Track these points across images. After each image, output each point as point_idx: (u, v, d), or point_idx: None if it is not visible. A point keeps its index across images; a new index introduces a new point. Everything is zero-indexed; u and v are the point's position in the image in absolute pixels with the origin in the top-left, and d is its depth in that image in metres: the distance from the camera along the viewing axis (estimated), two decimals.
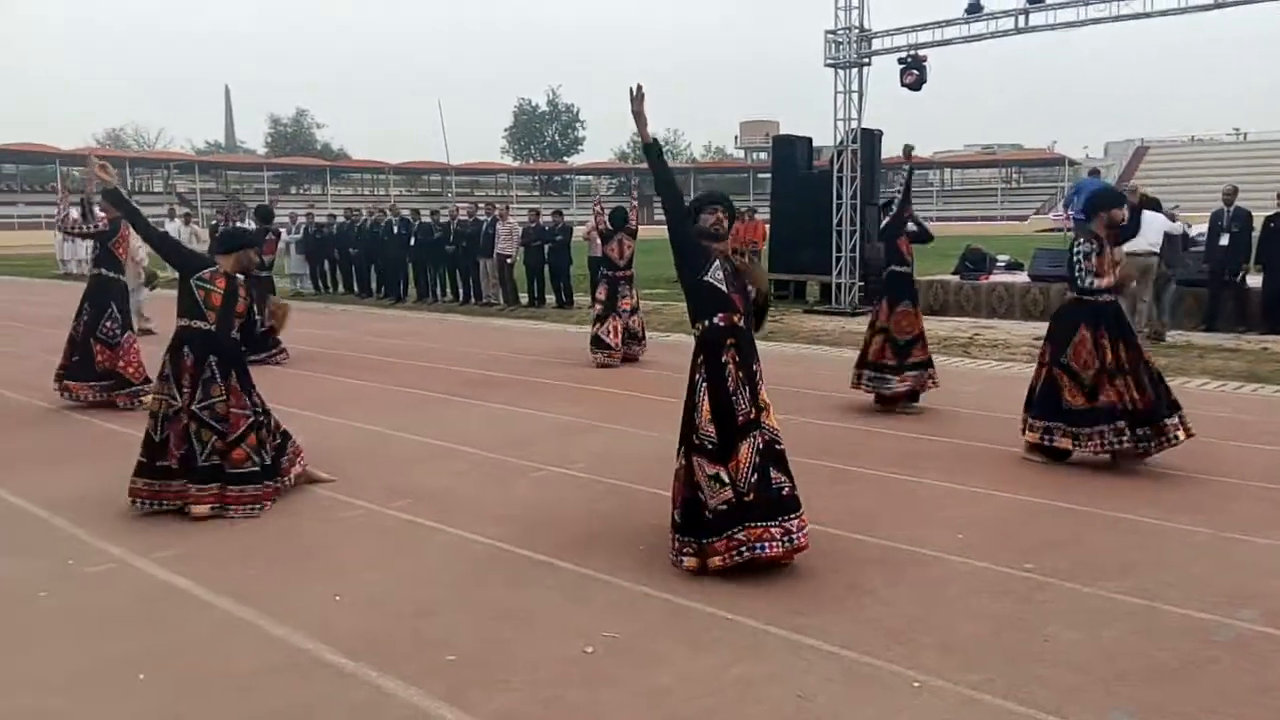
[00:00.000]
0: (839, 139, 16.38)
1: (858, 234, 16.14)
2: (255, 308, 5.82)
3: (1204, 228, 13.75)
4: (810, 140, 18.98)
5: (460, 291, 18.70)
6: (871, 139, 16.87)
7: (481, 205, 20.18)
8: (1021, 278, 15.80)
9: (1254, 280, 13.16)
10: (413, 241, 18.90)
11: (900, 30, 15.95)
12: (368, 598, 4.26)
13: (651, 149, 4.71)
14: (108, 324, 8.58)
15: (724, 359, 4.55)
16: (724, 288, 4.64)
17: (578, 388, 9.47)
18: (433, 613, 4.10)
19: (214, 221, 16.71)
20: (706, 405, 4.51)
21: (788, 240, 17.97)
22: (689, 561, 4.48)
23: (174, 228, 23.78)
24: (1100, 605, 4.11)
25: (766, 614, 4.02)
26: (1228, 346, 11.50)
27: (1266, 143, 74.33)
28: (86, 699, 3.41)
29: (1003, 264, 17.21)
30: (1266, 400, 8.64)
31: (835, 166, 16.39)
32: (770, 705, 3.29)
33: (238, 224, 13.90)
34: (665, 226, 4.83)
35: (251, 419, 5.52)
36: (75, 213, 8.82)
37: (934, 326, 13.72)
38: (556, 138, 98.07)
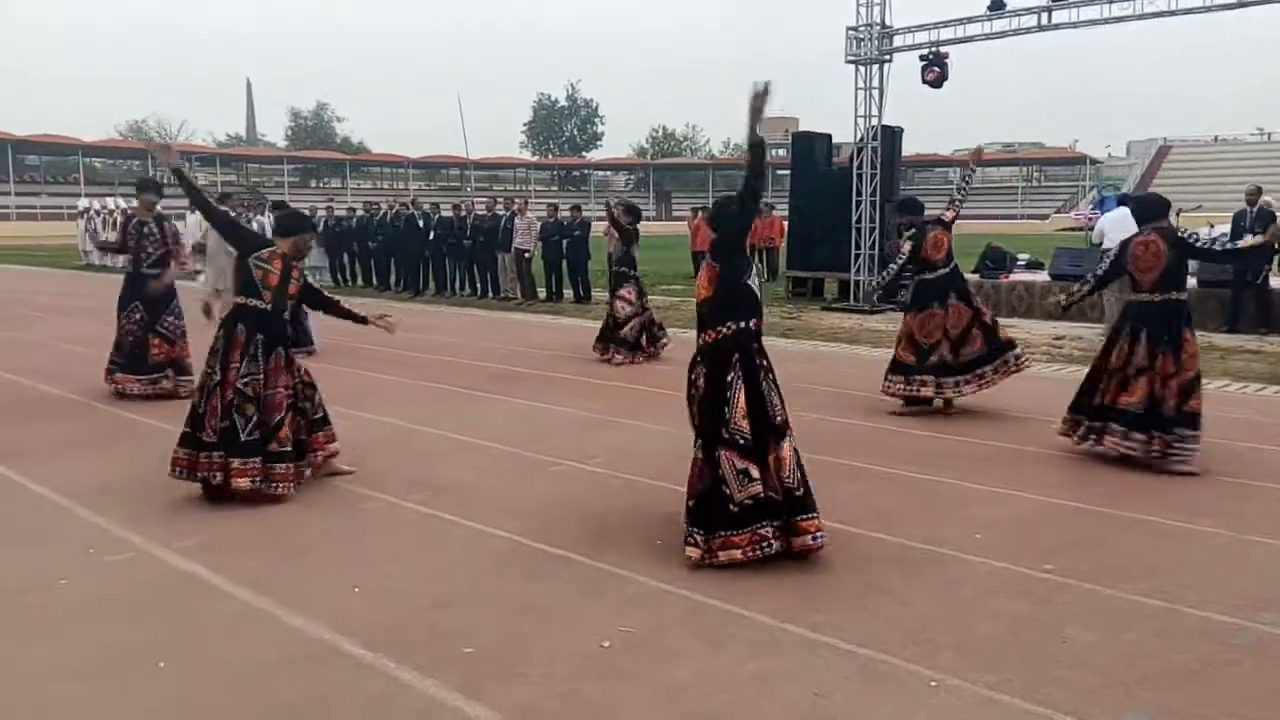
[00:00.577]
0: (859, 136, 16.31)
1: (877, 231, 16.08)
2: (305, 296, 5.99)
3: (1227, 228, 13.63)
4: (830, 137, 18.90)
5: (478, 286, 18.73)
6: (892, 136, 16.78)
7: (500, 200, 20.20)
8: (1042, 277, 15.70)
9: (1276, 281, 13.04)
10: (432, 235, 18.94)
11: (922, 27, 15.87)
12: (386, 589, 4.28)
13: (757, 146, 4.71)
14: (169, 319, 8.67)
15: (758, 361, 4.66)
16: (759, 293, 4.78)
17: (595, 383, 9.48)
18: (450, 605, 4.12)
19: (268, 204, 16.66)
20: (742, 401, 4.55)
21: (806, 237, 17.92)
22: (692, 552, 4.50)
23: (195, 219, 23.95)
24: (1119, 607, 4.08)
25: (783, 611, 4.02)
26: (1250, 348, 11.40)
27: None
28: (107, 687, 3.44)
29: (1023, 263, 17.10)
30: None
31: (855, 164, 16.32)
32: (786, 702, 3.29)
33: (256, 217, 13.93)
34: (732, 223, 4.87)
35: (290, 400, 5.63)
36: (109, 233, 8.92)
37: None
38: (575, 133, 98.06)
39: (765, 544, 4.44)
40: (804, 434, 7.20)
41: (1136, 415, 6.18)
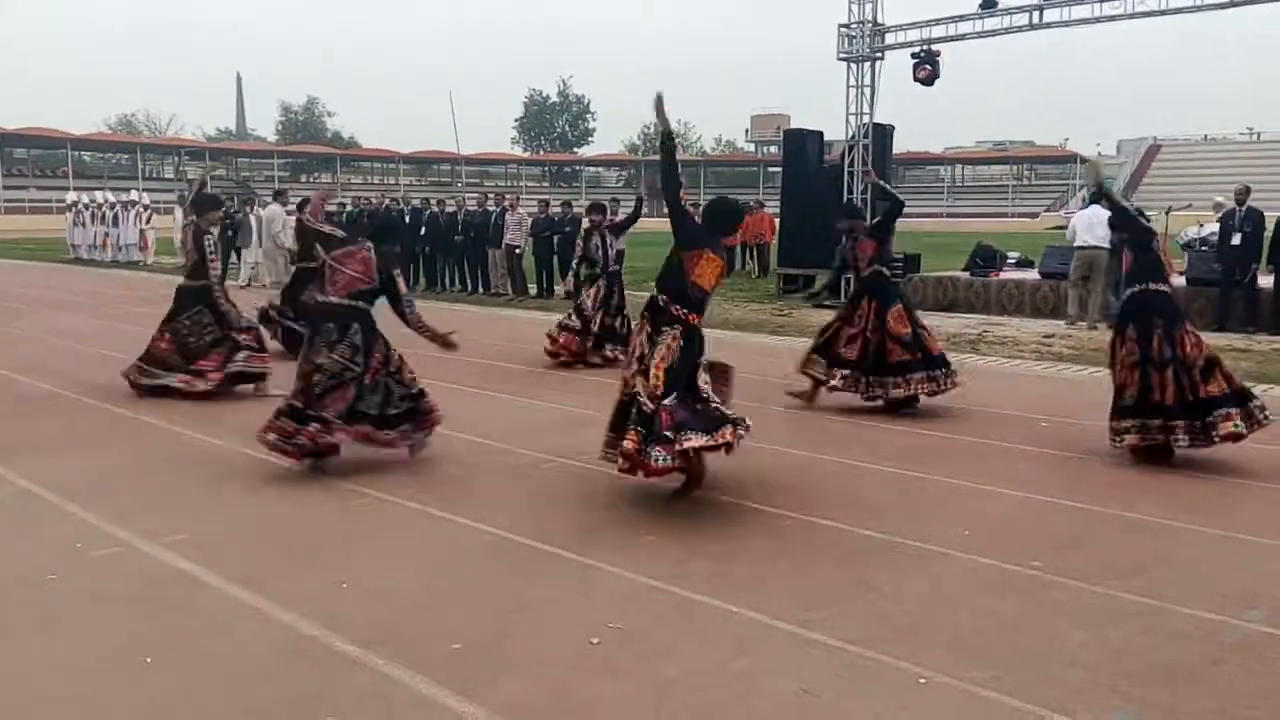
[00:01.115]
0: (850, 133, 16.33)
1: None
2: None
3: (1215, 227, 13.69)
4: (821, 134, 18.90)
5: (469, 282, 18.70)
6: (883, 134, 16.80)
7: (491, 195, 20.18)
8: (1032, 275, 15.74)
9: (1265, 281, 13.10)
10: (423, 231, 18.91)
11: (914, 25, 15.89)
12: (375, 586, 4.28)
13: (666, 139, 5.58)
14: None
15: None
16: None
17: (586, 379, 9.48)
18: (439, 602, 4.12)
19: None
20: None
21: (797, 234, 17.90)
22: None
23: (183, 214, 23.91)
24: (1107, 604, 4.10)
25: (772, 608, 4.02)
26: (1238, 346, 11.44)
27: (1279, 143, 73.96)
28: (94, 682, 3.43)
29: (1013, 261, 17.16)
30: (1276, 400, 8.59)
31: (846, 161, 16.34)
32: (775, 699, 3.30)
33: (247, 213, 13.90)
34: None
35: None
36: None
37: (943, 323, 13.71)
38: (567, 129, 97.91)
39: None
40: (792, 431, 7.26)
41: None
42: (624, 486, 5.74)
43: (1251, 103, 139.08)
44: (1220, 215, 13.53)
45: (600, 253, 10.65)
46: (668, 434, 5.03)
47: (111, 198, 28.33)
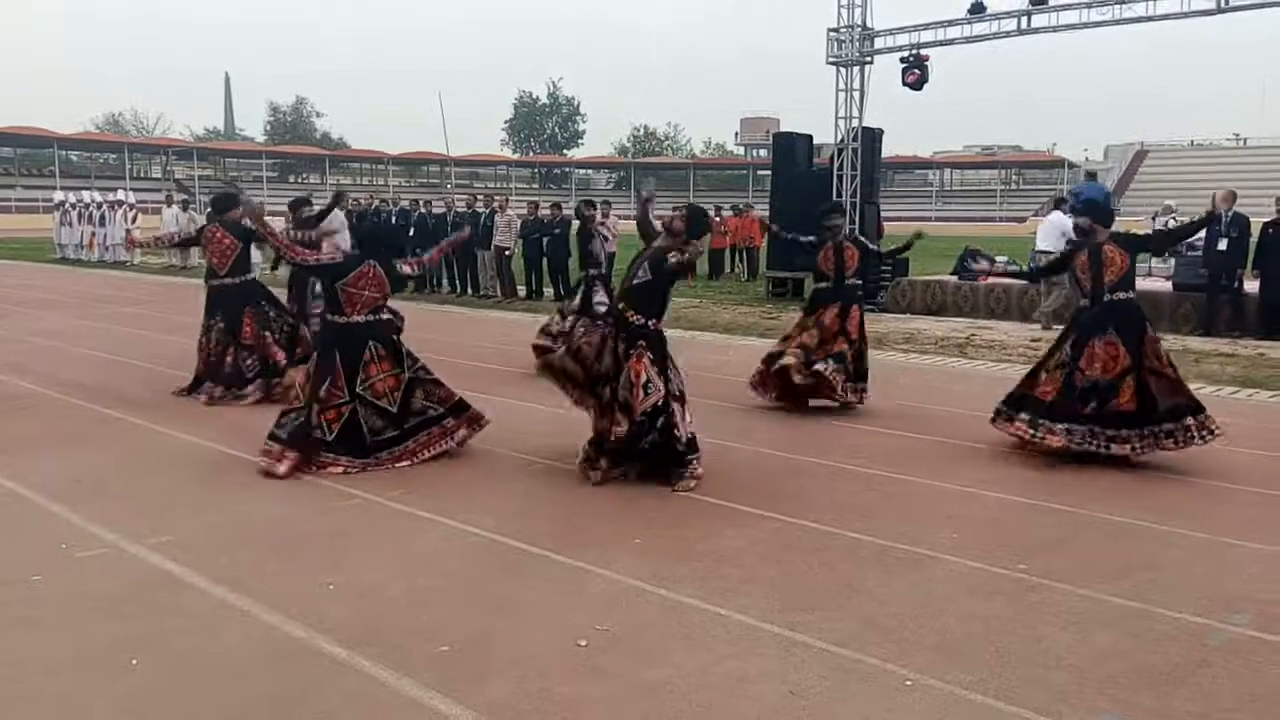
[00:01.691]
0: (840, 137, 16.37)
1: (856, 232, 16.12)
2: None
3: (1202, 232, 13.74)
4: (810, 138, 18.94)
5: (458, 283, 18.67)
6: (872, 137, 16.84)
7: (479, 197, 20.14)
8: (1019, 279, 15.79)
9: (1251, 286, 13.18)
10: (412, 232, 18.86)
11: (903, 29, 15.94)
12: (362, 587, 4.26)
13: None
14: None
15: None
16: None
17: None
18: (427, 603, 4.10)
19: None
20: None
21: (786, 238, 17.93)
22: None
23: (172, 214, 23.81)
24: (1093, 607, 4.11)
25: (760, 610, 4.03)
26: (1224, 351, 11.51)
27: (1265, 149, 74.37)
28: (79, 683, 3.41)
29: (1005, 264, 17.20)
30: (1261, 405, 8.66)
31: (835, 164, 16.37)
32: (762, 701, 3.30)
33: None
34: None
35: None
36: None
37: (931, 326, 13.76)
38: (557, 130, 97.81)
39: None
40: (780, 434, 7.27)
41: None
42: (611, 489, 5.74)
43: (1238, 108, 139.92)
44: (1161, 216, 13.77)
45: (604, 255, 10.69)
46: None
47: (99, 197, 28.20)
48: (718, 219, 23.73)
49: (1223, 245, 12.81)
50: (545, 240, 17.52)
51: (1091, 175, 20.60)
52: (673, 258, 5.84)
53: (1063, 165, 79.36)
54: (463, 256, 18.42)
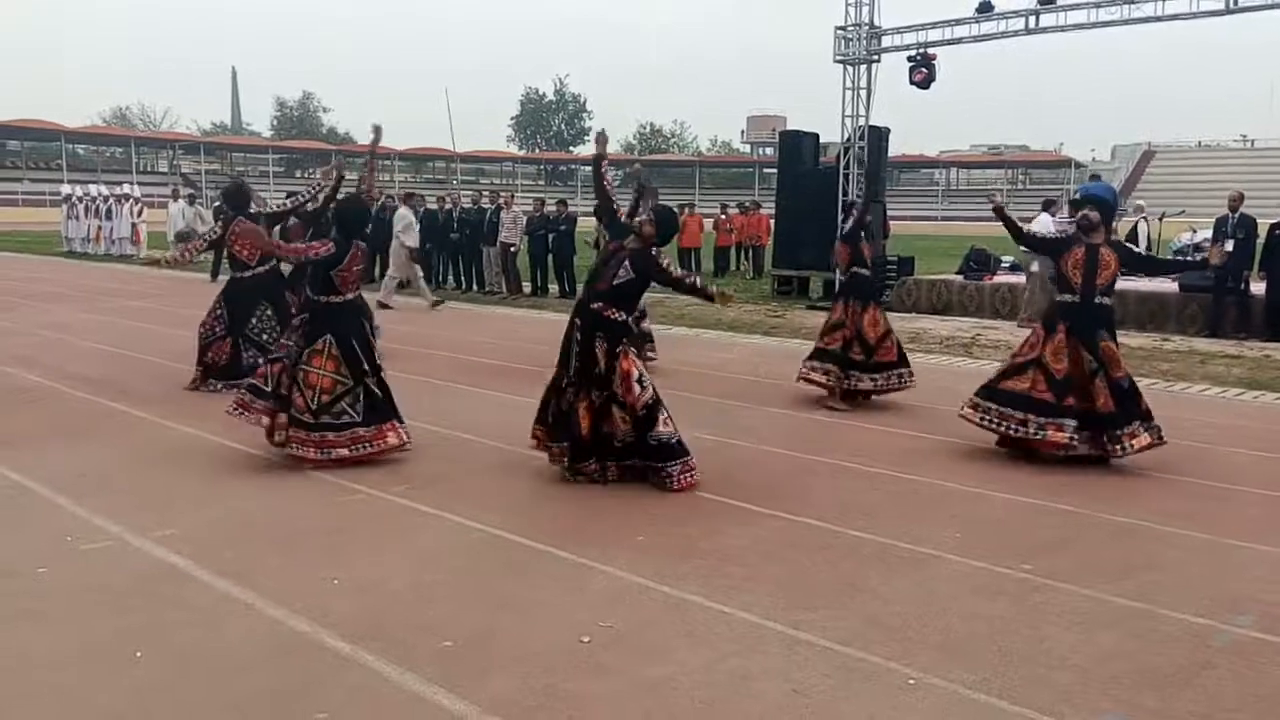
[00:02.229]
0: (846, 135, 16.34)
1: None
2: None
3: (1209, 233, 13.74)
4: (817, 136, 18.91)
5: (463, 280, 18.68)
6: (879, 136, 16.81)
7: (485, 193, 20.15)
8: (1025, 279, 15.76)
9: (1257, 287, 13.15)
10: (418, 228, 18.86)
11: (910, 28, 15.89)
12: (366, 581, 4.27)
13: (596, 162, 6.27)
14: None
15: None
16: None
17: None
18: (430, 598, 4.11)
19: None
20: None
21: (792, 236, 17.92)
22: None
23: (178, 209, 23.81)
24: (1097, 608, 4.11)
25: (763, 608, 4.03)
26: (1230, 353, 11.49)
27: (1273, 150, 74.27)
28: (83, 675, 3.42)
29: (1007, 265, 17.18)
30: (1267, 407, 8.64)
31: (842, 163, 16.35)
32: (765, 699, 3.30)
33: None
34: None
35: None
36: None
37: (936, 326, 13.75)
38: (563, 127, 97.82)
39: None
40: (784, 432, 7.27)
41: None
42: (614, 486, 5.75)
43: (1246, 109, 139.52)
44: (1132, 220, 13.90)
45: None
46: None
47: (105, 191, 28.24)
48: (724, 216, 23.76)
49: (1229, 246, 12.78)
50: (551, 237, 17.55)
51: (1095, 176, 20.65)
52: (675, 270, 6.15)
53: (1069, 165, 79.22)
54: (468, 252, 18.44)
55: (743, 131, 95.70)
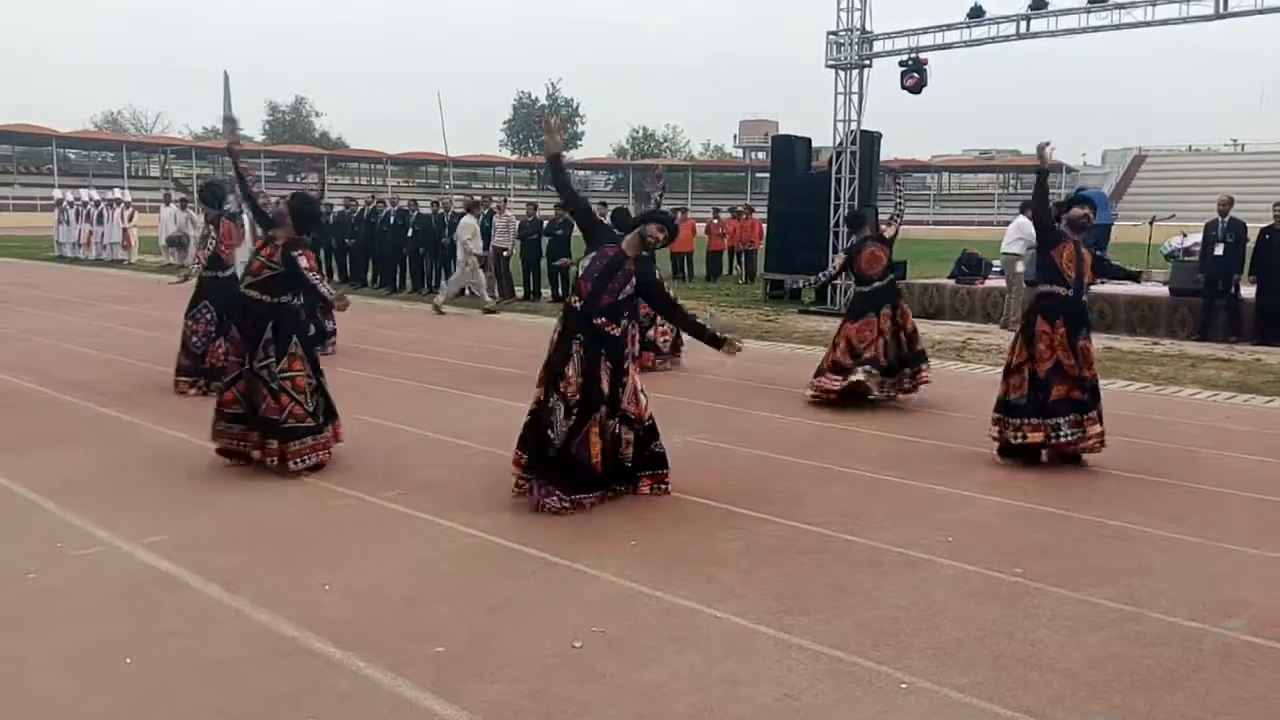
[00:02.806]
0: (838, 140, 16.37)
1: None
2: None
3: (1199, 237, 13.79)
4: (809, 141, 18.96)
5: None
6: (871, 141, 16.85)
7: (479, 198, 20.14)
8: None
9: (1247, 291, 13.20)
10: (410, 233, 18.86)
11: (902, 33, 15.94)
12: (357, 587, 4.26)
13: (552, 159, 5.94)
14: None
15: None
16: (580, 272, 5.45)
17: None
18: (422, 604, 4.10)
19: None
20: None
21: (784, 240, 17.95)
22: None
23: (170, 213, 23.75)
24: (1087, 611, 4.12)
25: (755, 613, 4.03)
26: (1220, 356, 11.53)
27: (1263, 155, 74.49)
28: (74, 682, 3.41)
29: (998, 269, 17.21)
30: (1257, 411, 8.67)
31: (834, 168, 16.38)
32: (757, 704, 3.30)
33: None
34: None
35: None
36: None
37: (928, 330, 13.75)
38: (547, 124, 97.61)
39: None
40: (775, 436, 7.27)
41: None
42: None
43: (1236, 114, 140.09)
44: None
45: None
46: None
47: (96, 195, 28.16)
48: (716, 221, 23.78)
49: (1219, 250, 12.84)
50: (545, 241, 17.55)
51: (1081, 189, 20.76)
52: (665, 282, 5.96)
53: (1060, 169, 79.47)
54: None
55: (735, 136, 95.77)
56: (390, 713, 3.23)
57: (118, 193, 28.19)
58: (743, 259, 23.59)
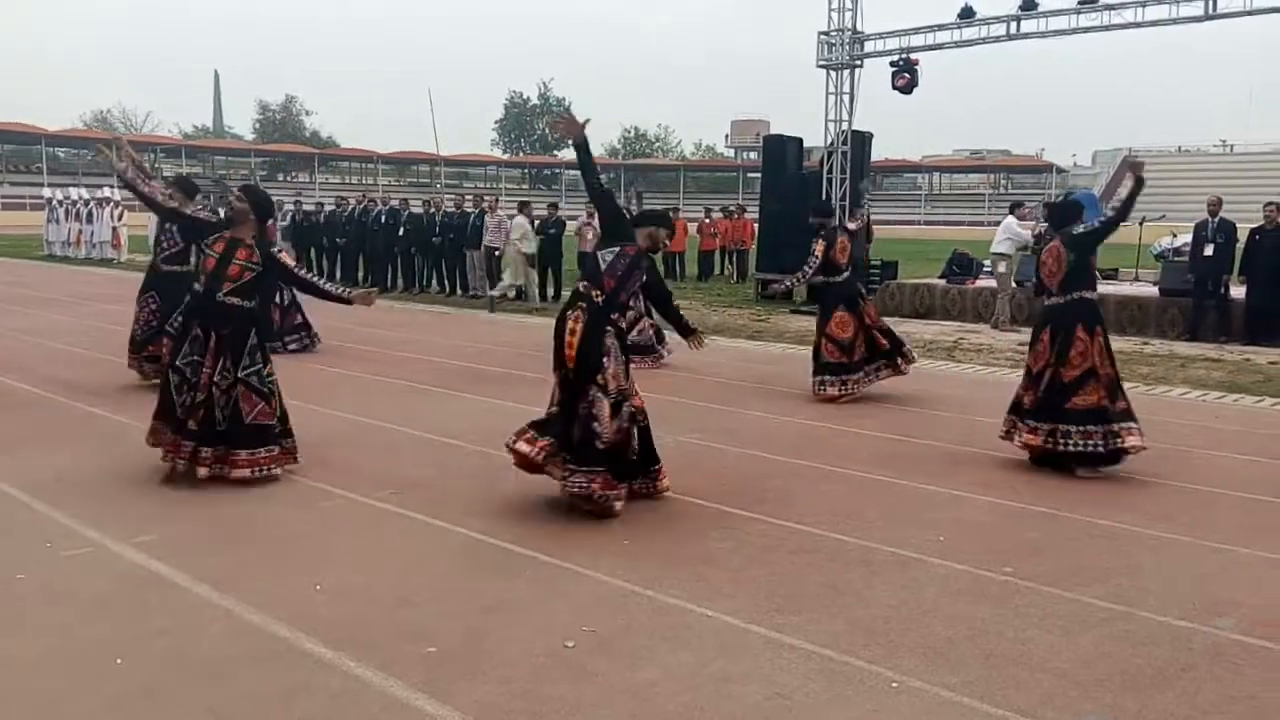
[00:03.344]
0: (830, 140, 16.41)
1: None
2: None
3: (1189, 238, 13.85)
4: (801, 141, 18.98)
5: (446, 283, 18.66)
6: (862, 140, 16.88)
7: (469, 197, 20.13)
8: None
9: (1237, 291, 13.26)
10: (401, 232, 18.84)
11: (893, 33, 15.97)
12: (348, 587, 4.25)
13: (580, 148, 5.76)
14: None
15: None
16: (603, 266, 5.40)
17: None
18: (413, 603, 4.09)
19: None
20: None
21: (776, 240, 17.96)
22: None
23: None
24: (1078, 610, 4.13)
25: (747, 612, 4.03)
26: (1210, 356, 11.58)
27: (1252, 155, 74.80)
28: (64, 682, 3.39)
29: (989, 269, 17.26)
30: (1246, 410, 8.70)
31: (825, 168, 16.41)
32: (748, 703, 3.30)
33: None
34: None
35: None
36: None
37: (919, 329, 13.79)
38: (547, 131, 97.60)
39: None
40: (766, 436, 7.28)
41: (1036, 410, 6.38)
42: None
43: (1225, 115, 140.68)
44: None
45: None
46: None
47: (86, 194, 28.05)
48: (708, 221, 23.79)
49: (1209, 251, 12.89)
50: (540, 240, 17.53)
51: (1072, 189, 20.86)
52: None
53: (1050, 170, 79.70)
54: (451, 256, 18.42)
55: (727, 135, 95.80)
56: (381, 712, 3.22)
57: (107, 191, 28.07)
58: (734, 259, 23.62)
